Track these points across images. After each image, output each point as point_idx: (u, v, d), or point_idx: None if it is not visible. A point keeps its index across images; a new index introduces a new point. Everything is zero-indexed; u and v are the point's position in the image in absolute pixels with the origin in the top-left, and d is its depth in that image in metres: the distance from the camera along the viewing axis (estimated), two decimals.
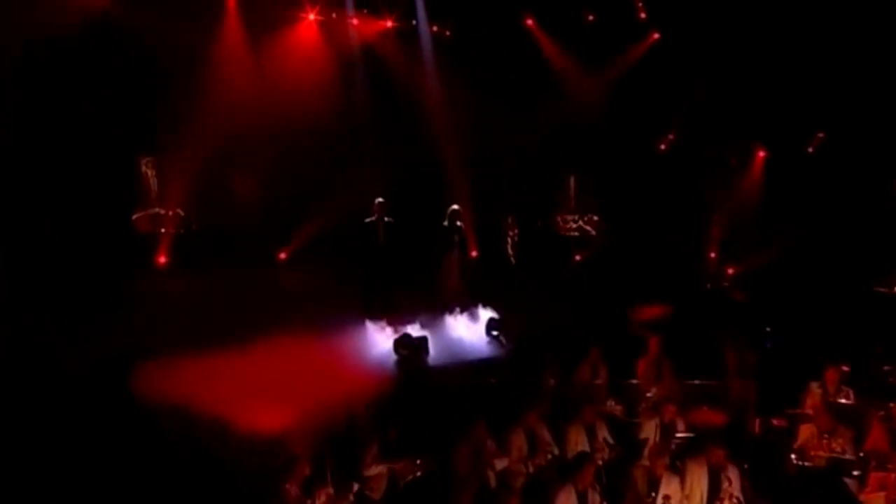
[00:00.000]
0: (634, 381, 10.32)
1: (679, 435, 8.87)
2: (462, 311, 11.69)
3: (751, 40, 13.77)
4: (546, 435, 8.78)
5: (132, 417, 8.56)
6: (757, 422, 9.75)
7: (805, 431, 8.74)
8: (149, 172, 12.91)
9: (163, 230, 12.69)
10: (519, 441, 8.62)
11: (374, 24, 13.99)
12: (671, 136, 15.48)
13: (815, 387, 9.67)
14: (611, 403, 10.05)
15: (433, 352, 10.74)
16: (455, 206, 11.95)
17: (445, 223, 11.94)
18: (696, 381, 10.28)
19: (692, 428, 9.14)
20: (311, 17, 13.34)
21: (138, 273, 11.55)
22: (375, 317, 11.30)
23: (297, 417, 8.56)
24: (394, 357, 10.58)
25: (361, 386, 9.44)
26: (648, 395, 9.94)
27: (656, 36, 15.00)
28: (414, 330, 10.97)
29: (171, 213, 12.81)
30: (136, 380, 9.01)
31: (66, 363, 9.19)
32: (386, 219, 11.71)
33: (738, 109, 14.48)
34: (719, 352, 10.79)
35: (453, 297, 11.95)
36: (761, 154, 15.48)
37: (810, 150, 15.14)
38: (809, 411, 9.26)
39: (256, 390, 8.92)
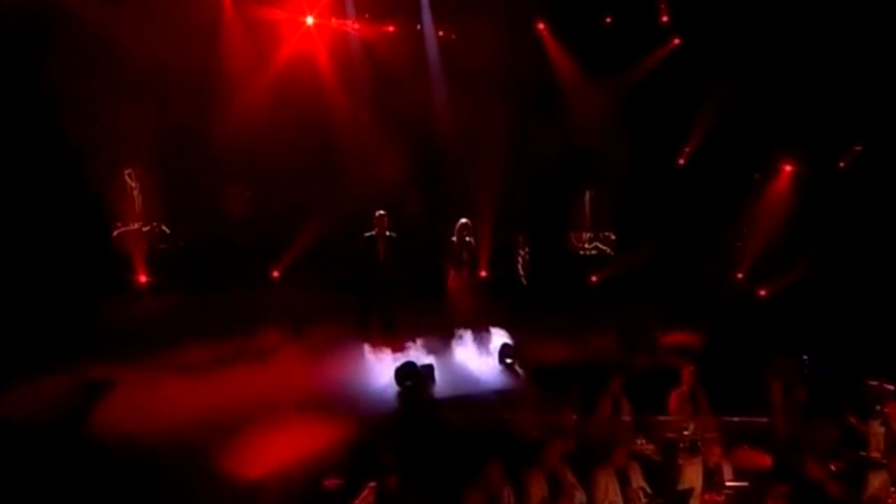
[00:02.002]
0: (666, 417, 9.02)
1: (729, 484, 7.39)
2: (472, 337, 10.25)
3: (776, 45, 12.67)
4: (570, 478, 7.57)
5: (95, 458, 7.53)
6: (810, 465, 8.22)
7: (876, 479, 7.39)
8: (132, 184, 12.14)
9: (146, 247, 12.00)
10: (539, 486, 7.41)
11: (376, 29, 13.27)
12: (688, 150, 14.25)
13: (875, 425, 8.28)
14: (640, 442, 8.71)
15: (439, 382, 9.36)
16: (464, 220, 10.64)
17: (453, 238, 10.57)
18: (735, 418, 8.99)
19: (741, 473, 7.67)
20: (310, 20, 12.60)
21: (116, 293, 10.87)
22: (375, 342, 10.04)
23: (281, 461, 7.45)
24: (395, 388, 9.17)
25: (357, 422, 8.26)
26: (685, 433, 8.57)
27: (677, 41, 13.77)
28: (418, 357, 9.58)
29: (155, 228, 12.19)
30: (102, 413, 8.10)
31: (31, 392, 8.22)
32: (388, 233, 10.46)
33: (762, 120, 13.38)
34: (761, 383, 9.34)
35: (462, 320, 10.60)
36: (788, 168, 14.10)
37: (842, 164, 13.75)
38: (876, 454, 7.83)
39: (235, 428, 7.87)
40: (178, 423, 7.86)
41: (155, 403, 8.27)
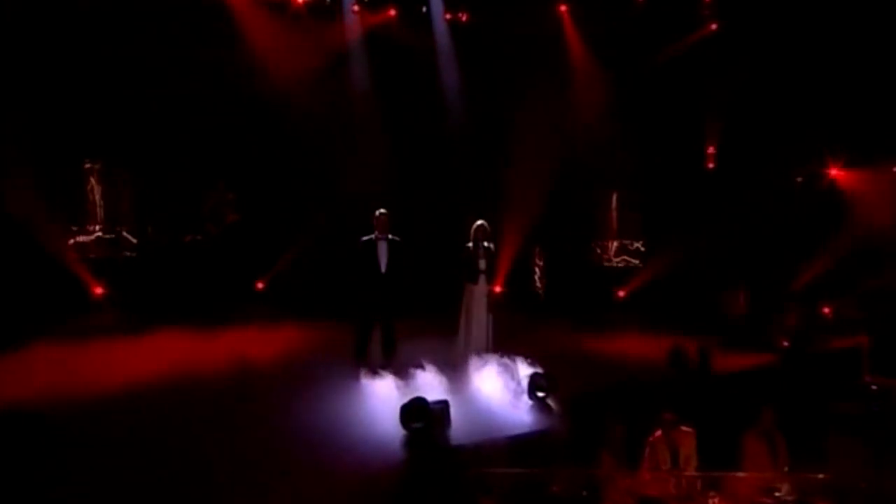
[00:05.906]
0: (744, 474, 6.90)
1: None
2: (495, 365, 8.06)
3: (819, 32, 11.00)
4: None
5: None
6: None
7: None
8: (93, 181, 10.67)
9: (106, 255, 10.70)
10: None
11: (377, 13, 11.94)
12: (711, 151, 12.61)
13: None
14: (713, 503, 6.49)
15: (456, 424, 7.15)
16: (481, 221, 8.59)
17: (469, 244, 8.49)
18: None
19: None
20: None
21: (70, 307, 9.60)
22: (375, 372, 7.90)
23: None
24: (401, 431, 6.98)
25: (352, 477, 6.19)
26: (777, 494, 6.43)
27: (714, 27, 12.13)
28: (430, 391, 7.37)
29: (118, 234, 10.80)
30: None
31: None
32: (390, 236, 8.30)
33: (803, 119, 11.59)
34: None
35: (481, 344, 8.47)
36: (833, 172, 12.33)
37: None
38: None
39: (209, 476, 5.99)
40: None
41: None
